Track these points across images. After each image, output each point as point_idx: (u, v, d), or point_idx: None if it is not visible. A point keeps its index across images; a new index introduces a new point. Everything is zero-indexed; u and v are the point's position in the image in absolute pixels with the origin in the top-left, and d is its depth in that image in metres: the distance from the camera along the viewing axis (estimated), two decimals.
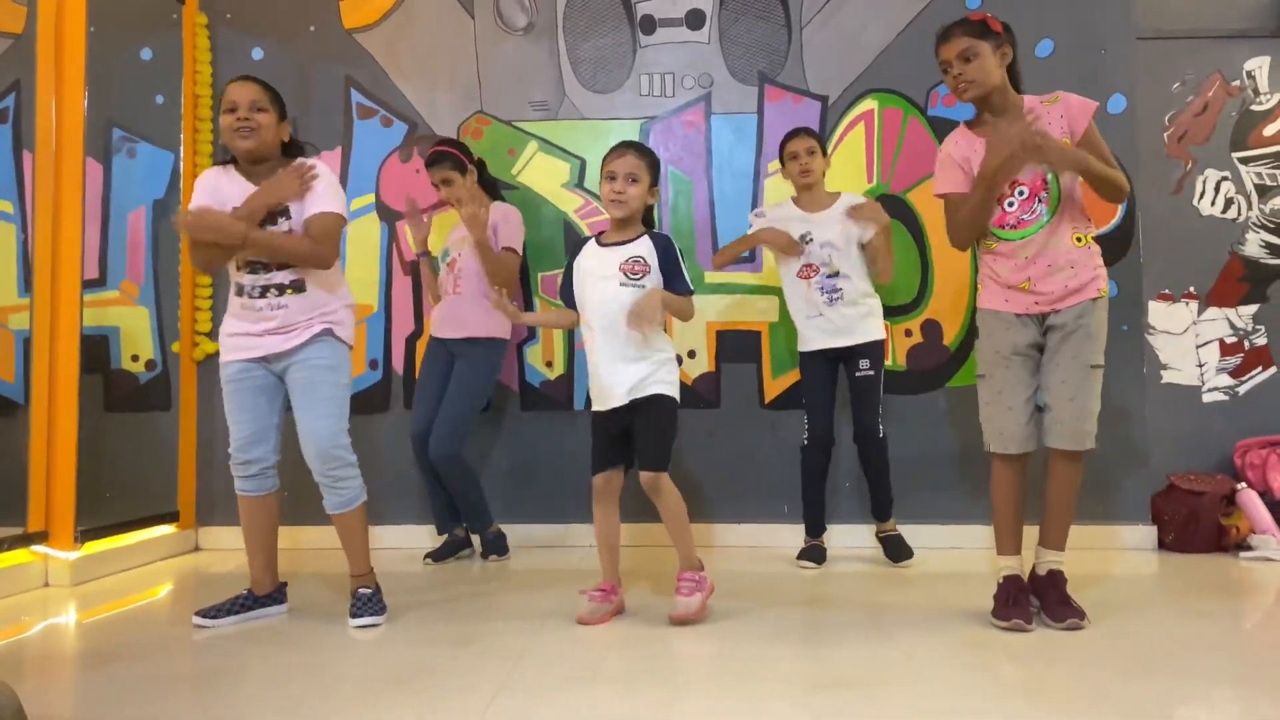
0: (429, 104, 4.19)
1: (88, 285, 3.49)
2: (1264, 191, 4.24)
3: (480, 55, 4.20)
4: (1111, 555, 3.76)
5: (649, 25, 4.18)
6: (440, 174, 3.70)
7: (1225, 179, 4.25)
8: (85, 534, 3.40)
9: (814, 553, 3.62)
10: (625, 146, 2.85)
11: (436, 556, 3.75)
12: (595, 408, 2.85)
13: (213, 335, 4.10)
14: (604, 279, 2.79)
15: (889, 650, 2.44)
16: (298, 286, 2.72)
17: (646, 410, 2.77)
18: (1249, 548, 3.79)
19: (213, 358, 4.10)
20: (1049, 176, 2.63)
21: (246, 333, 2.74)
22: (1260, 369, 4.20)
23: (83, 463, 3.40)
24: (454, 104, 4.18)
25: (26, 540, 3.29)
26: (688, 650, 2.51)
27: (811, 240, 3.58)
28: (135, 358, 3.83)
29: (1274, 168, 4.24)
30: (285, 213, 2.69)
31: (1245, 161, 4.24)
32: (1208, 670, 2.30)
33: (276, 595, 2.89)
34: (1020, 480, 2.73)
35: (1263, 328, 4.21)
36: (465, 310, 3.72)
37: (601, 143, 4.13)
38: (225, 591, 2.89)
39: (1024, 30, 3.98)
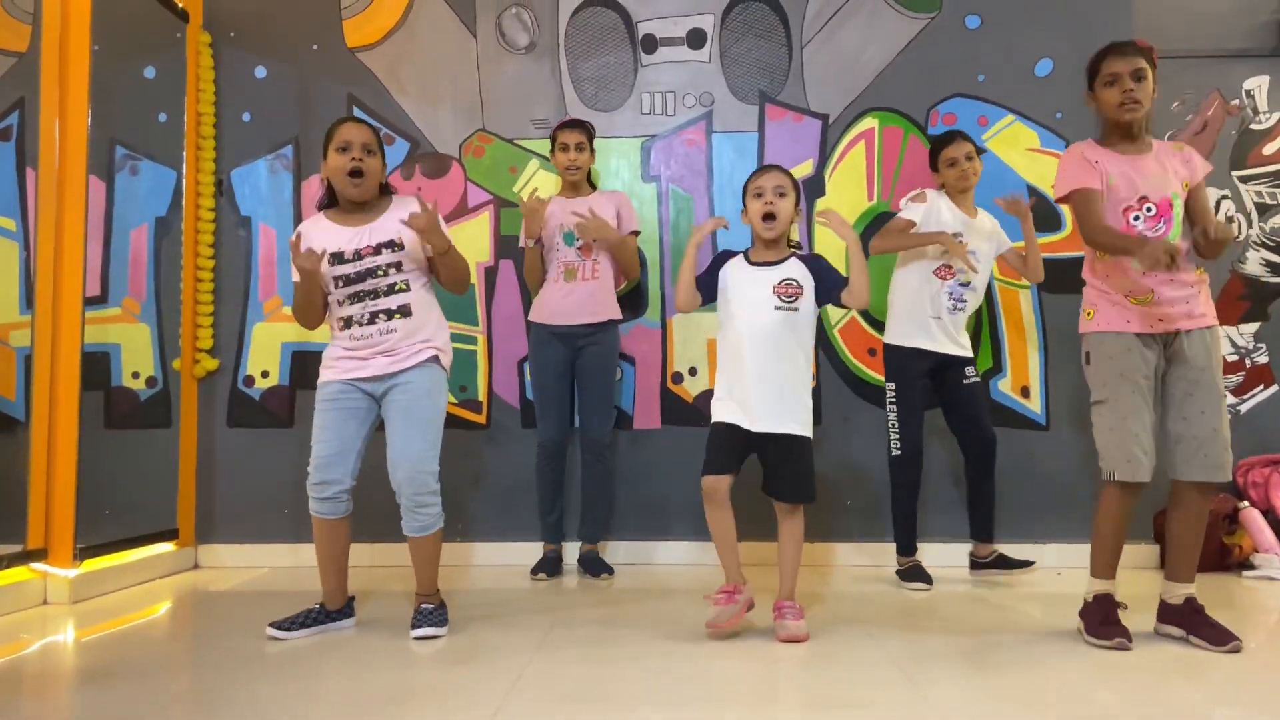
0: (431, 122, 4.20)
1: (89, 302, 3.49)
2: (1264, 210, 4.26)
3: (482, 74, 4.22)
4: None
5: (650, 44, 4.20)
6: (578, 137, 3.74)
7: (1225, 197, 4.26)
8: (84, 551, 3.39)
9: (920, 573, 3.52)
10: (770, 166, 2.94)
11: (549, 571, 3.75)
12: (724, 419, 2.81)
13: (214, 352, 4.12)
14: (757, 300, 2.81)
15: (889, 672, 2.43)
16: (405, 311, 2.79)
17: (791, 447, 2.78)
18: (1252, 566, 3.78)
19: (213, 375, 4.13)
20: (1174, 200, 2.64)
21: (353, 355, 2.80)
22: (1262, 387, 4.19)
23: (82, 480, 3.40)
24: (456, 122, 4.19)
25: (26, 557, 3.27)
26: (687, 669, 2.49)
27: (962, 240, 3.51)
28: (136, 375, 3.83)
29: (1273, 186, 4.25)
30: (392, 245, 2.79)
31: (1245, 180, 4.26)
32: (1211, 690, 2.28)
33: (347, 610, 2.93)
34: (1134, 510, 2.70)
35: (1264, 346, 4.21)
36: (602, 294, 3.74)
37: (603, 160, 4.15)
38: (225, 610, 2.89)
39: (1024, 49, 4.05)
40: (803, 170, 4.12)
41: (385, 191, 2.92)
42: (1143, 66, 2.66)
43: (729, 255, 2.94)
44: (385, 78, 4.21)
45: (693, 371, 4.09)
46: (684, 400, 4.08)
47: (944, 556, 3.84)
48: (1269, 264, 4.23)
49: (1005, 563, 3.66)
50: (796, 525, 2.84)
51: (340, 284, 2.79)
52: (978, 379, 3.60)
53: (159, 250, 3.93)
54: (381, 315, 2.78)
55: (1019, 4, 4.09)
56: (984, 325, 4.05)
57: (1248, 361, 4.21)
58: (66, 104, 3.45)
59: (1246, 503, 3.91)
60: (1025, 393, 4.04)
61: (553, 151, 3.82)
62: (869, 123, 4.11)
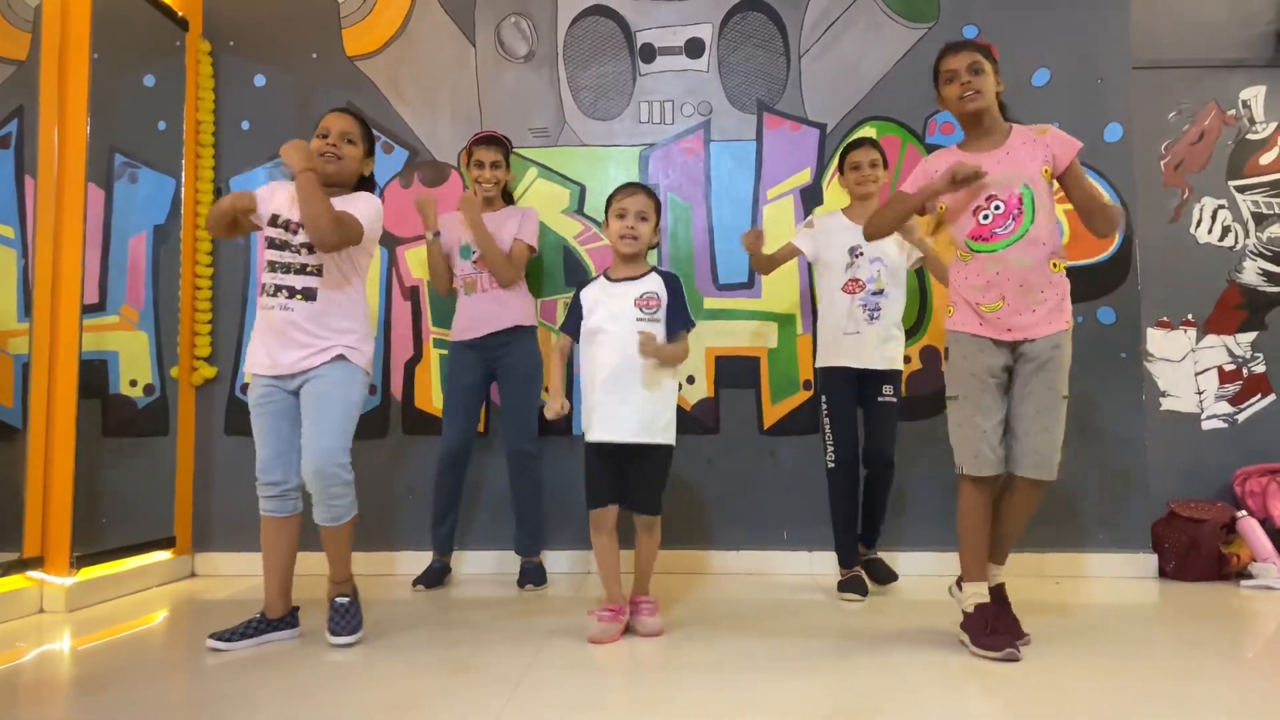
0: (430, 131, 4.21)
1: (88, 310, 3.49)
2: (1260, 219, 4.27)
3: (481, 83, 4.23)
4: (1112, 583, 3.75)
5: (649, 53, 4.22)
6: (494, 154, 3.76)
7: (1222, 207, 4.27)
8: (81, 559, 3.38)
9: (857, 584, 3.51)
10: (635, 186, 3.00)
11: (429, 581, 3.73)
12: (597, 437, 2.88)
13: (212, 360, 4.12)
14: (619, 314, 2.90)
15: (891, 679, 2.43)
16: (308, 295, 2.80)
17: (654, 457, 2.91)
18: (1250, 576, 3.77)
19: (211, 383, 4.13)
20: (1023, 195, 2.66)
21: (265, 350, 2.82)
22: (1259, 396, 4.20)
23: (79, 488, 3.39)
24: (455, 131, 4.20)
25: (22, 565, 3.27)
26: (687, 679, 2.49)
27: (861, 255, 3.51)
28: (134, 382, 3.82)
29: (1270, 196, 4.26)
30: (288, 226, 2.83)
31: (1242, 190, 4.27)
32: (1209, 701, 2.28)
33: (289, 619, 2.91)
34: (989, 503, 2.74)
35: (1261, 355, 4.22)
36: (502, 303, 3.73)
37: (601, 169, 4.16)
38: (221, 618, 2.87)
39: (1021, 60, 4.07)
40: (801, 179, 4.13)
41: (366, 188, 2.96)
42: (978, 60, 2.72)
43: (587, 282, 3.05)
44: (384, 86, 4.22)
45: (690, 380, 4.09)
46: (683, 408, 4.08)
47: (920, 565, 3.87)
48: (1266, 273, 4.24)
49: (875, 570, 3.64)
50: (655, 535, 2.98)
51: (268, 245, 2.84)
52: (893, 399, 3.53)
53: (157, 258, 3.93)
54: (284, 291, 2.79)
55: (1016, 15, 4.11)
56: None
57: (1245, 371, 4.21)
58: (66, 111, 3.45)
59: (1244, 512, 3.91)
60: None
61: (468, 164, 3.82)
62: (867, 132, 4.12)
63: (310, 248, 2.80)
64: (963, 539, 2.77)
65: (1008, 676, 2.45)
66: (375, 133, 4.12)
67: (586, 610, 2.95)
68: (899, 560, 3.86)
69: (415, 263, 4.16)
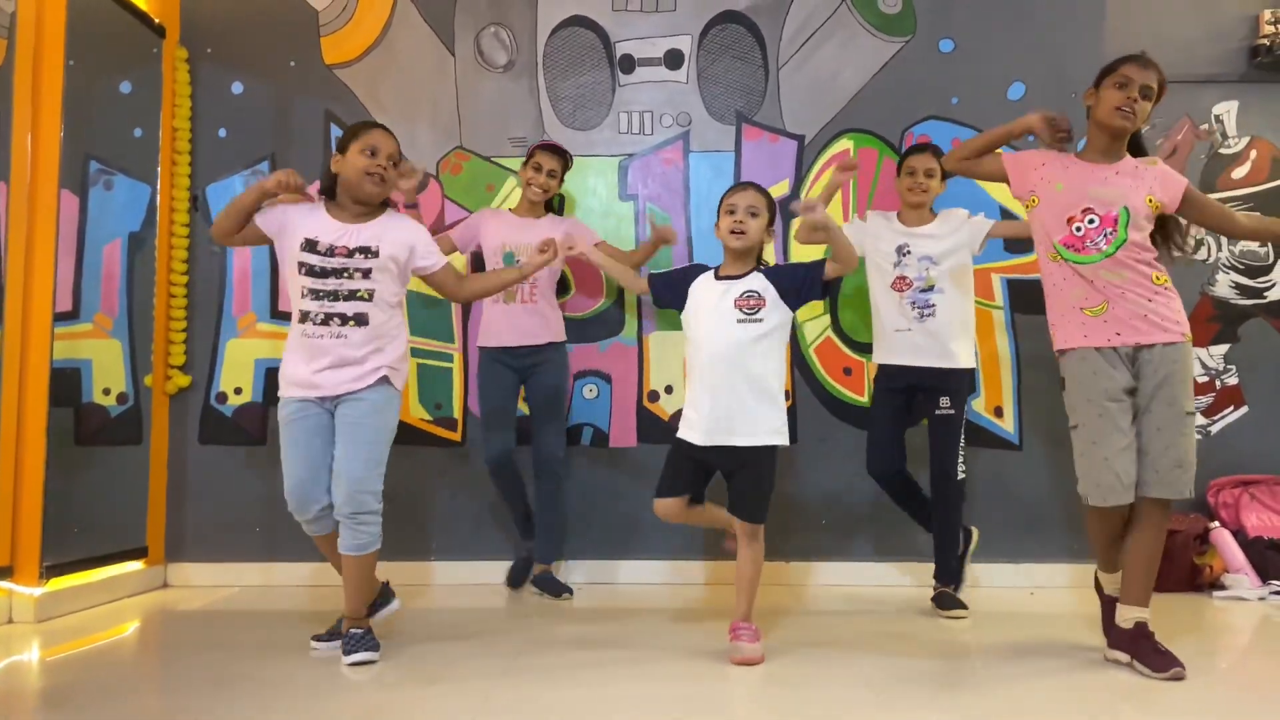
0: (409, 139, 4.18)
1: (61, 318, 3.46)
2: None
3: (460, 92, 4.22)
4: (1086, 593, 3.74)
5: (628, 64, 4.23)
6: (553, 163, 3.78)
7: None
8: (51, 569, 3.34)
9: (949, 600, 3.41)
10: (746, 184, 2.96)
11: (516, 582, 3.80)
12: (685, 436, 2.83)
13: (186, 369, 4.09)
14: (720, 313, 2.82)
15: (860, 692, 2.43)
16: (360, 320, 2.77)
17: (756, 460, 2.79)
18: (1223, 587, 3.79)
19: (185, 392, 4.09)
20: (1120, 216, 2.63)
21: (306, 361, 2.78)
22: (1232, 408, 4.23)
23: (50, 497, 3.35)
24: (434, 139, 4.19)
25: None
26: (662, 691, 2.48)
27: (910, 253, 3.49)
28: (107, 391, 3.79)
29: (1243, 209, 4.30)
30: (367, 251, 2.79)
31: None
32: (1182, 712, 2.29)
33: (385, 594, 2.97)
34: (1120, 526, 2.68)
35: (1234, 367, 4.25)
36: (541, 317, 3.73)
37: (580, 178, 4.16)
38: (193, 630, 2.84)
39: (996, 73, 4.10)
40: (779, 190, 4.14)
41: (384, 204, 2.95)
42: (1154, 85, 2.70)
43: (701, 269, 2.97)
44: (363, 95, 4.21)
45: (669, 389, 4.09)
46: (659, 418, 4.08)
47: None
48: (1238, 286, 4.28)
49: (942, 601, 3.46)
50: (755, 547, 2.85)
51: (304, 272, 2.77)
52: (951, 411, 3.45)
53: (132, 266, 3.90)
54: (336, 319, 2.76)
55: (991, 29, 4.14)
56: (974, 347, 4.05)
57: (1218, 383, 4.25)
58: (40, 118, 3.42)
59: (1217, 523, 3.94)
60: (999, 413, 4.06)
61: (525, 166, 3.82)
62: (844, 144, 4.14)
63: (366, 273, 2.77)
64: (1095, 549, 2.78)
65: (975, 687, 2.45)
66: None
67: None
68: (924, 571, 3.83)
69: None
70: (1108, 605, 2.77)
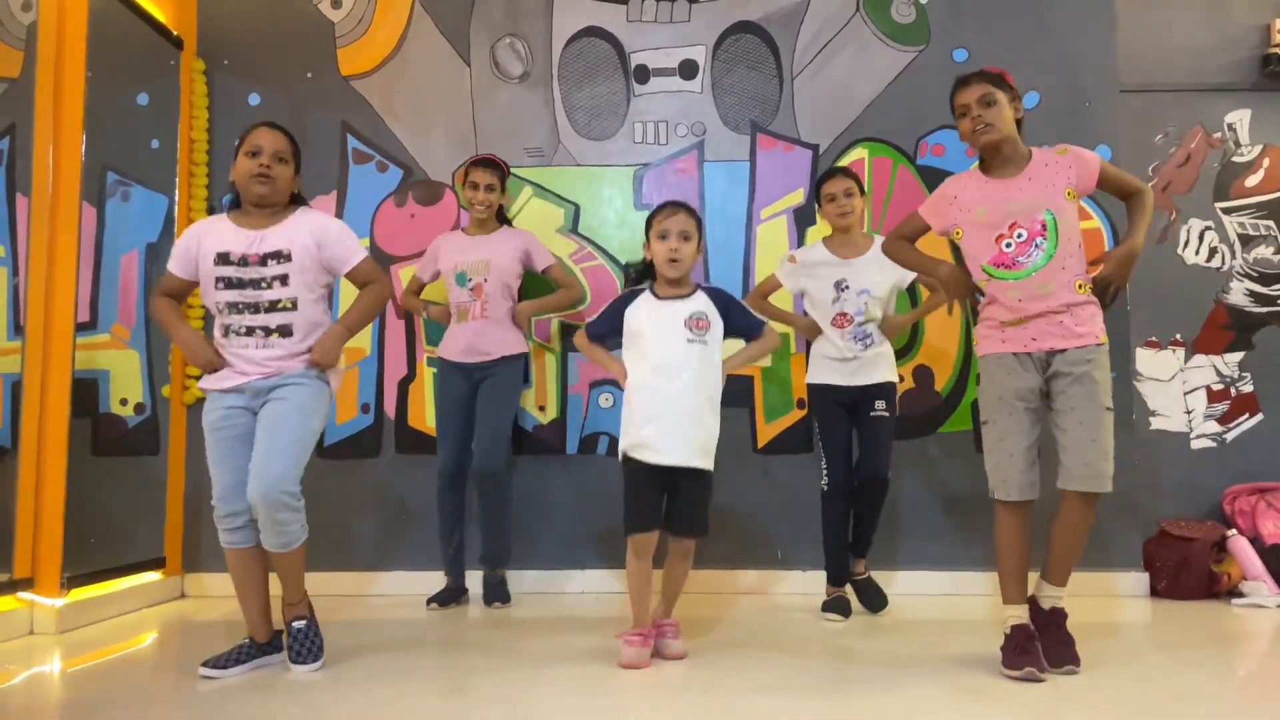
0: (424, 150, 4.22)
1: (79, 329, 3.47)
2: (1247, 241, 4.32)
3: (476, 102, 4.24)
4: (1104, 602, 3.76)
5: (643, 74, 4.24)
6: (489, 178, 3.79)
7: (1209, 228, 4.32)
8: (72, 580, 3.35)
9: (840, 604, 3.51)
10: (675, 206, 2.93)
11: (443, 600, 3.73)
12: (642, 458, 2.80)
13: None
14: (668, 335, 2.84)
15: (890, 700, 2.43)
16: (285, 331, 2.72)
17: (700, 480, 2.85)
18: (1240, 594, 3.79)
19: (203, 402, 4.08)
20: (1047, 221, 2.65)
21: (231, 363, 2.74)
22: (1247, 416, 4.24)
23: (70, 508, 3.36)
24: (450, 150, 4.21)
25: (12, 587, 3.23)
26: (686, 700, 2.48)
27: (848, 288, 3.51)
28: (124, 401, 3.80)
29: (1256, 217, 4.31)
30: (279, 255, 2.72)
31: (1228, 212, 4.32)
32: (1198, 717, 2.29)
33: (275, 643, 2.85)
34: (1025, 527, 2.71)
35: (1249, 375, 4.26)
36: (493, 333, 3.75)
37: (595, 189, 4.17)
38: (211, 639, 2.85)
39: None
40: (794, 199, 4.16)
41: (296, 202, 2.87)
42: (989, 91, 2.70)
43: (633, 296, 2.97)
44: (379, 106, 4.23)
45: None
46: None
47: (918, 584, 3.88)
48: (1252, 294, 4.29)
49: (870, 596, 3.58)
50: (689, 559, 2.95)
51: (221, 286, 2.72)
52: (885, 413, 3.51)
53: (149, 276, 3.91)
54: (260, 330, 2.71)
55: (1005, 38, 4.16)
56: (972, 358, 4.07)
57: (1233, 390, 4.25)
58: (60, 130, 3.44)
59: (1234, 531, 3.94)
60: None
61: (462, 185, 3.84)
62: (859, 153, 4.15)
63: (283, 279, 2.71)
64: (999, 563, 2.74)
65: (999, 696, 2.45)
66: (370, 151, 4.17)
67: (615, 633, 2.87)
68: (895, 579, 3.86)
69: (409, 282, 4.15)
70: (1017, 634, 2.67)
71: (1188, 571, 3.85)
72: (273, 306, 2.71)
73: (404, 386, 4.14)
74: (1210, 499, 4.15)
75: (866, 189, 4.07)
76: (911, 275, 3.57)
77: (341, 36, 4.26)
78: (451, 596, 3.76)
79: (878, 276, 3.50)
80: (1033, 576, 2.76)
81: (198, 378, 3.99)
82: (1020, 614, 2.69)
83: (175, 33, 4.05)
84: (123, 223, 3.80)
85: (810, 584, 3.92)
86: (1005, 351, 2.70)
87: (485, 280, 3.76)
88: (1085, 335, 2.65)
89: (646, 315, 2.89)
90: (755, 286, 3.82)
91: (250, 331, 2.71)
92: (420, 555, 4.02)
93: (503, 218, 3.96)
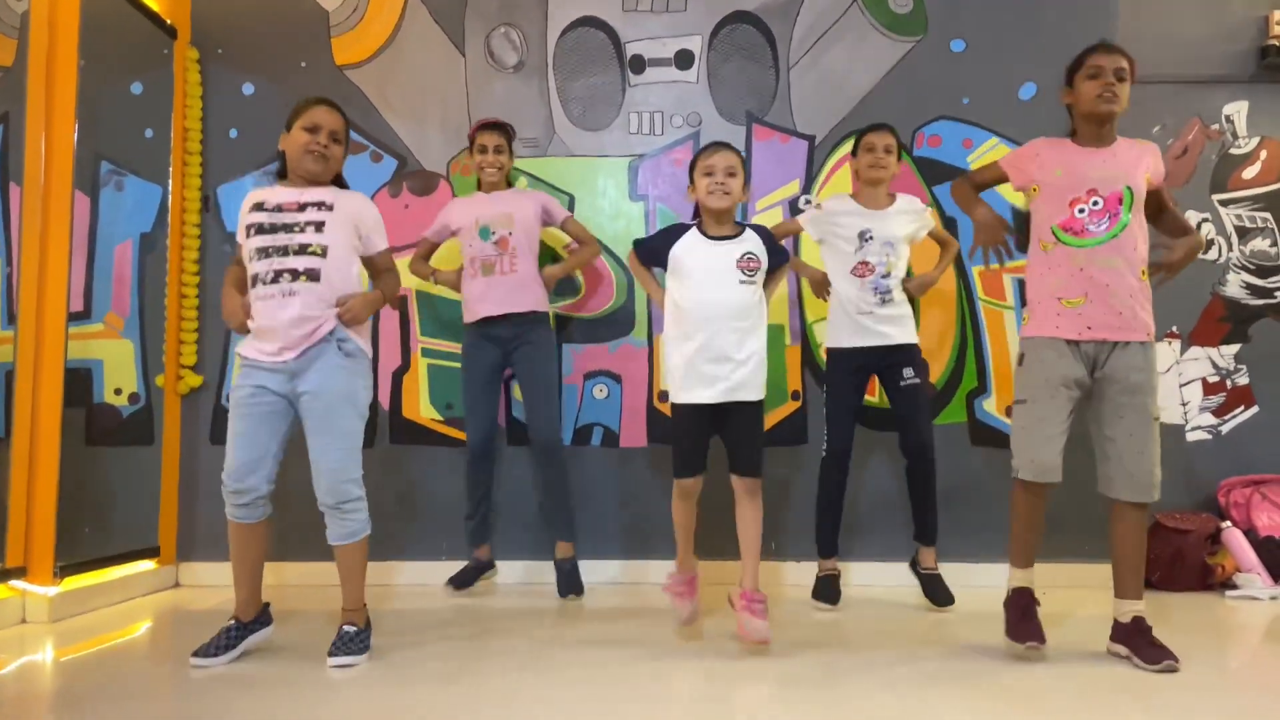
0: (419, 140, 4.21)
1: (73, 318, 3.47)
2: (1244, 233, 4.30)
3: (471, 93, 4.23)
4: (1099, 593, 3.73)
5: (638, 65, 4.23)
6: (496, 139, 3.76)
7: (1206, 220, 4.30)
8: (64, 569, 3.35)
9: (828, 591, 3.52)
10: (718, 144, 2.94)
11: (463, 581, 3.73)
12: (686, 399, 2.85)
13: (197, 369, 4.09)
14: (720, 273, 2.86)
15: (887, 692, 2.43)
16: (312, 275, 2.70)
17: (748, 414, 2.88)
18: (1234, 586, 3.80)
19: (197, 391, 4.10)
20: (1124, 194, 2.67)
21: (260, 335, 2.74)
22: (1243, 408, 4.23)
23: (63, 497, 3.36)
24: (444, 140, 4.20)
25: (5, 575, 3.23)
26: (686, 691, 2.48)
27: (872, 239, 3.50)
28: (119, 391, 3.79)
29: (1253, 210, 4.30)
30: (320, 205, 2.76)
31: (1225, 204, 4.31)
32: (1195, 712, 2.29)
33: (262, 618, 2.85)
34: (1044, 505, 2.77)
35: (1244, 367, 4.25)
36: (523, 286, 3.71)
37: (591, 179, 4.16)
38: (205, 629, 2.84)
39: (1007, 73, 4.10)
40: (789, 190, 4.15)
41: (339, 184, 2.91)
42: (1125, 67, 2.72)
43: (680, 230, 2.96)
44: (373, 96, 4.22)
45: (663, 397, 4.08)
46: (668, 417, 4.07)
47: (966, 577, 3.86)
48: (1249, 286, 4.27)
49: (935, 590, 3.53)
50: (758, 504, 2.91)
51: (253, 232, 2.74)
52: (916, 380, 3.47)
53: (143, 266, 3.90)
54: (286, 275, 2.67)
55: (1003, 29, 4.14)
56: (969, 346, 4.08)
57: (1229, 383, 4.24)
58: (53, 119, 3.43)
59: (1228, 523, 3.94)
60: (1009, 412, 4.05)
61: (470, 151, 3.82)
62: None
63: (318, 226, 2.71)
64: (1013, 534, 2.80)
65: (991, 686, 2.46)
66: (365, 141, 4.17)
67: (661, 587, 2.96)
68: (889, 571, 3.86)
69: (404, 272, 4.13)
70: (1018, 597, 2.77)
71: (1182, 563, 3.85)
72: (302, 249, 2.70)
73: (398, 377, 4.14)
74: (1205, 491, 4.14)
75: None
76: (928, 227, 3.61)
77: (336, 26, 4.24)
78: (474, 574, 3.76)
79: (901, 231, 3.53)
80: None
81: (192, 367, 4.06)
82: (1024, 578, 2.77)
83: (169, 21, 4.03)
84: (117, 212, 3.79)
85: (805, 575, 3.92)
86: (1058, 337, 2.70)
87: (510, 233, 3.69)
88: (1138, 329, 2.67)
89: (696, 254, 2.89)
90: (772, 228, 3.77)
91: (277, 277, 2.68)
92: (418, 546, 4.02)
93: (510, 183, 3.94)
